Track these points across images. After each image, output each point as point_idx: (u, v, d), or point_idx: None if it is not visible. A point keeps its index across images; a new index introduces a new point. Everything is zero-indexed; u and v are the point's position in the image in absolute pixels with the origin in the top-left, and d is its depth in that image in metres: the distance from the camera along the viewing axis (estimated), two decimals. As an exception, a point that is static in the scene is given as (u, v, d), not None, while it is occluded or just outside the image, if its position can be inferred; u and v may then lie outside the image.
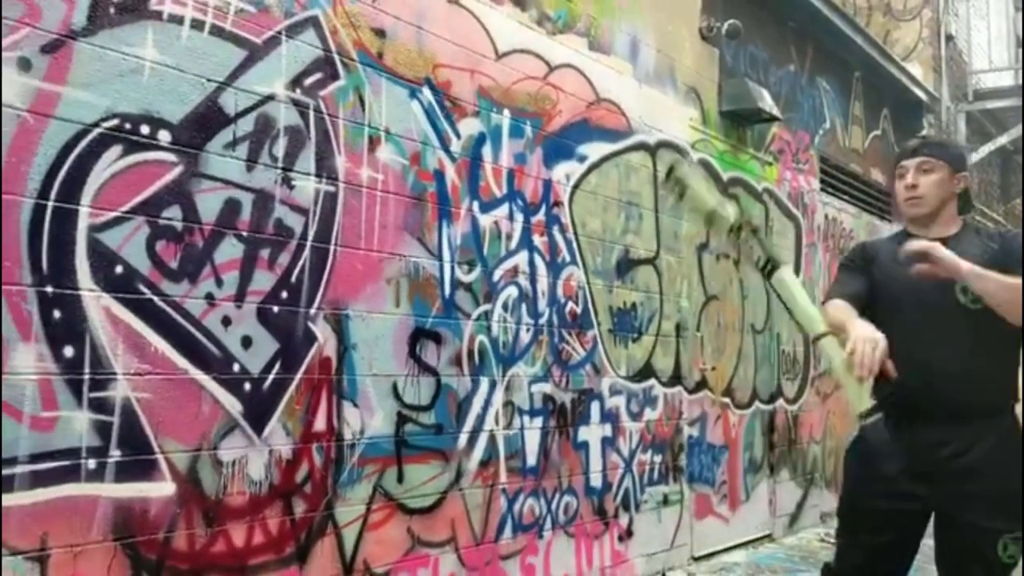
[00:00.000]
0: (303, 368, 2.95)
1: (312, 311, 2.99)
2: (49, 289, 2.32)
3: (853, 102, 7.42)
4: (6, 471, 2.22)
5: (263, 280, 2.85)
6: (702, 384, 5.09)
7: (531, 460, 3.86)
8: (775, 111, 5.59)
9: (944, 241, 2.36)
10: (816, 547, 5.82)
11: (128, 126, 2.50)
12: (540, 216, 3.99)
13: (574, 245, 4.17)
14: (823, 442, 6.66)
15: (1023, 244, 2.36)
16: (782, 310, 6.04)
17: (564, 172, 4.14)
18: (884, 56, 7.61)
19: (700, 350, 5.09)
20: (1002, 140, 9.63)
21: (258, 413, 2.81)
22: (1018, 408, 2.42)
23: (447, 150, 3.54)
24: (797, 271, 6.32)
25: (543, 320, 3.97)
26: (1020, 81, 9.19)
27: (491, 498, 3.65)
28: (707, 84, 5.28)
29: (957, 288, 2.31)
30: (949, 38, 9.24)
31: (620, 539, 4.38)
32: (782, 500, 6.00)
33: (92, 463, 2.39)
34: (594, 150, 4.33)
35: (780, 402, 6.01)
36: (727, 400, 5.37)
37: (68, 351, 2.35)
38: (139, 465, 2.49)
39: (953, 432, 2.32)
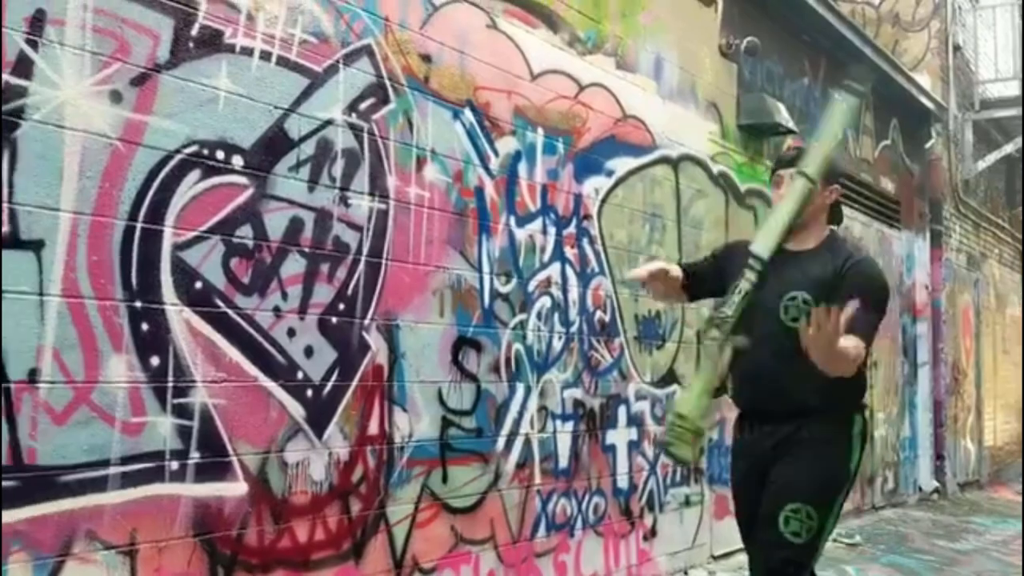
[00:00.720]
0: (358, 375, 3.15)
1: (366, 322, 3.18)
2: (138, 304, 2.51)
3: (864, 113, 7.60)
4: (100, 472, 2.41)
5: (323, 293, 3.04)
6: (721, 389, 5.26)
7: (563, 462, 4.05)
8: (791, 124, 5.78)
9: (800, 255, 2.57)
10: (828, 547, 5.99)
11: (206, 152, 2.69)
12: (571, 229, 4.18)
13: (602, 256, 4.37)
14: (835, 445, 6.83)
15: (866, 270, 2.57)
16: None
17: (593, 187, 4.33)
18: (894, 67, 7.79)
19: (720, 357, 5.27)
20: (1008, 148, 9.81)
21: (319, 418, 3.00)
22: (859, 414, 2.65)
23: (486, 168, 3.73)
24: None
25: (574, 328, 4.16)
26: (1022, 90, 9.37)
27: (527, 498, 3.85)
28: (726, 99, 5.47)
29: (780, 308, 2.51)
30: (956, 48, 9.42)
31: (645, 538, 4.57)
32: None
33: (175, 464, 2.58)
34: (621, 165, 4.52)
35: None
36: (744, 404, 5.55)
37: (154, 361, 2.54)
38: (216, 466, 2.69)
39: (779, 428, 2.57)
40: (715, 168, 5.30)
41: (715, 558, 5.16)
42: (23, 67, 2.27)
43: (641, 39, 4.71)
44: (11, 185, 2.25)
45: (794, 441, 2.55)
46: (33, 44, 2.29)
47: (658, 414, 4.68)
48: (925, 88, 8.51)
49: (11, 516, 2.23)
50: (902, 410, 8.41)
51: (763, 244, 2.50)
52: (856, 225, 7.41)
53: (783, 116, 5.67)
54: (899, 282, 8.39)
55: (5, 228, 2.23)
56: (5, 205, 2.23)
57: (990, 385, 10.74)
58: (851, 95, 2.73)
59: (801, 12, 6.23)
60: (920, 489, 8.73)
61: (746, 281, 2.44)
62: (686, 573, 4.86)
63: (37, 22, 2.30)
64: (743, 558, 5.45)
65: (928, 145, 8.80)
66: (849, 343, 2.33)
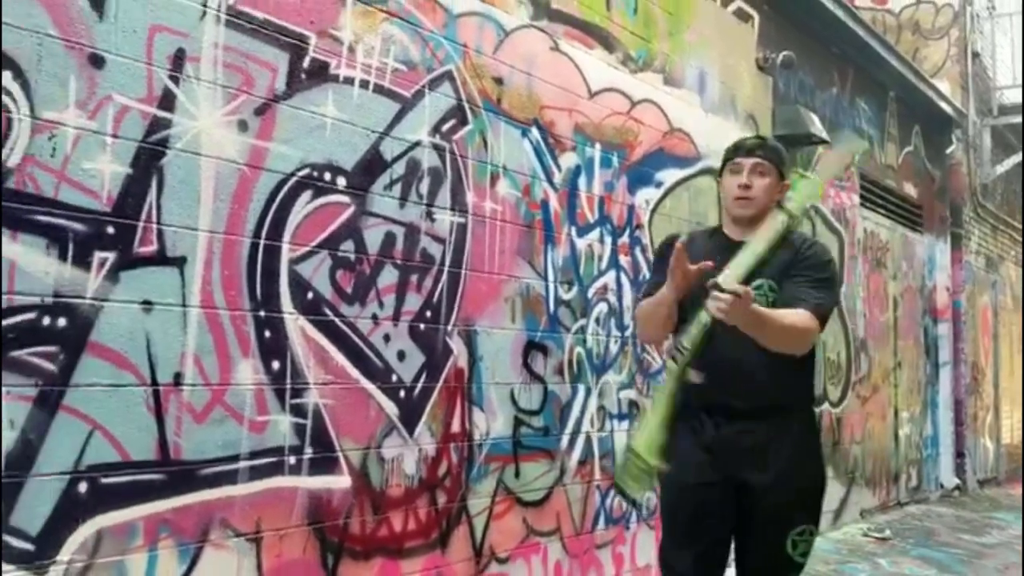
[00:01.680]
0: (443, 377, 3.39)
1: (449, 328, 3.43)
2: (261, 313, 2.76)
3: (888, 120, 7.83)
4: (232, 466, 2.66)
5: (412, 301, 3.29)
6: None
7: (620, 459, 4.29)
8: (823, 134, 6.00)
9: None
10: (861, 541, 6.25)
11: (315, 174, 2.94)
12: (625, 238, 4.42)
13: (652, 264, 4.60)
14: (863, 443, 7.08)
15: (819, 252, 2.48)
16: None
17: (644, 197, 4.57)
18: (916, 76, 8.02)
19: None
20: (1025, 152, 10.02)
21: (410, 417, 3.25)
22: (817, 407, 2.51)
23: (551, 182, 3.97)
24: (840, 282, 6.74)
25: (628, 332, 4.40)
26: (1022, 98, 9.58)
27: (588, 493, 4.09)
28: (763, 111, 5.70)
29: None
30: (975, 55, 9.64)
31: (692, 531, 4.80)
32: (827, 497, 6.38)
33: (292, 459, 2.83)
34: (668, 176, 4.76)
35: (826, 405, 6.43)
36: (780, 404, 5.78)
37: (275, 365, 2.79)
38: (325, 461, 2.93)
39: (751, 427, 2.41)
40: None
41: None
42: (167, 101, 2.52)
43: (686, 56, 4.94)
44: (159, 208, 2.50)
45: (774, 448, 2.41)
46: (175, 80, 2.54)
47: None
48: (946, 95, 8.73)
49: (159, 506, 2.48)
50: (924, 409, 8.63)
51: (732, 277, 2.21)
52: (882, 230, 7.64)
53: (816, 127, 5.89)
54: (921, 284, 8.61)
55: (154, 247, 2.48)
56: (154, 226, 2.48)
57: (1007, 384, 10.95)
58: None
59: (830, 25, 6.46)
60: (942, 486, 8.95)
61: (706, 313, 2.19)
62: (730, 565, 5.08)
63: (178, 60, 2.55)
64: (780, 551, 5.69)
65: (949, 151, 9.02)
66: (789, 314, 2.29)
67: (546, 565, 3.84)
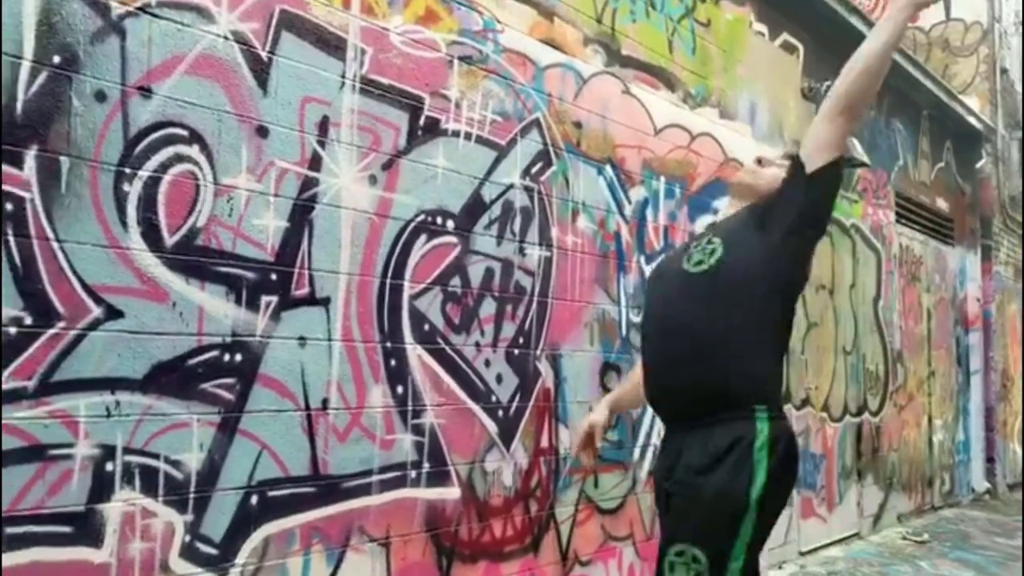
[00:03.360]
0: (533, 397, 3.75)
1: (538, 352, 3.78)
2: (388, 344, 3.12)
3: (921, 138, 8.12)
4: (367, 480, 3.02)
5: (508, 329, 3.64)
6: (806, 401, 5.84)
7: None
8: (864, 158, 6.31)
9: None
10: (900, 544, 6.55)
11: (429, 219, 3.30)
12: (686, 263, 4.75)
13: (710, 286, 4.94)
14: (900, 450, 7.38)
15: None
16: (867, 333, 6.78)
17: (703, 224, 4.91)
18: (948, 94, 8.30)
19: (805, 371, 5.84)
20: (1053, 165, 10.27)
21: (507, 434, 3.61)
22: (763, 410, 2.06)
23: (622, 214, 4.32)
24: (877, 297, 7.06)
25: (689, 351, 4.73)
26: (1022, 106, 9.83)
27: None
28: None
29: (683, 260, 2.17)
30: (1003, 71, 9.90)
31: (747, 535, 5.13)
32: (867, 502, 6.73)
33: (413, 473, 3.20)
34: (724, 203, 5.08)
35: (866, 415, 6.74)
36: (824, 415, 6.11)
37: (399, 389, 3.15)
38: (440, 474, 3.30)
39: (676, 438, 2.12)
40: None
41: (802, 554, 5.71)
42: (315, 162, 2.89)
43: (738, 89, 5.28)
44: (309, 255, 2.86)
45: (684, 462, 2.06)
46: (321, 143, 2.91)
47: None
48: (975, 111, 9.00)
49: (311, 516, 2.85)
50: (956, 416, 8.91)
51: None
52: (916, 245, 7.93)
53: (858, 151, 6.19)
54: (953, 296, 8.89)
55: (306, 289, 2.85)
56: (306, 271, 2.85)
57: (1035, 390, 11.19)
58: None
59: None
60: (973, 490, 9.22)
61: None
62: (780, 567, 5.42)
63: (323, 126, 2.92)
64: (825, 554, 6.03)
65: (979, 165, 9.29)
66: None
67: (621, 568, 4.18)
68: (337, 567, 2.92)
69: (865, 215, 6.88)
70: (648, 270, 4.46)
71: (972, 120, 8.89)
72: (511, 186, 3.68)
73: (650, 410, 4.35)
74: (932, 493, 8.16)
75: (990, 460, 9.53)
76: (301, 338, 2.83)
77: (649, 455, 4.39)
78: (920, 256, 8.02)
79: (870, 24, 6.60)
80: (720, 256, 2.07)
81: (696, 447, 2.02)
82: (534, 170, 3.80)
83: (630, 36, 4.37)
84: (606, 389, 4.15)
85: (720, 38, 5.09)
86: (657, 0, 4.57)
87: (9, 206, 2.17)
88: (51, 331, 2.24)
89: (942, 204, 8.56)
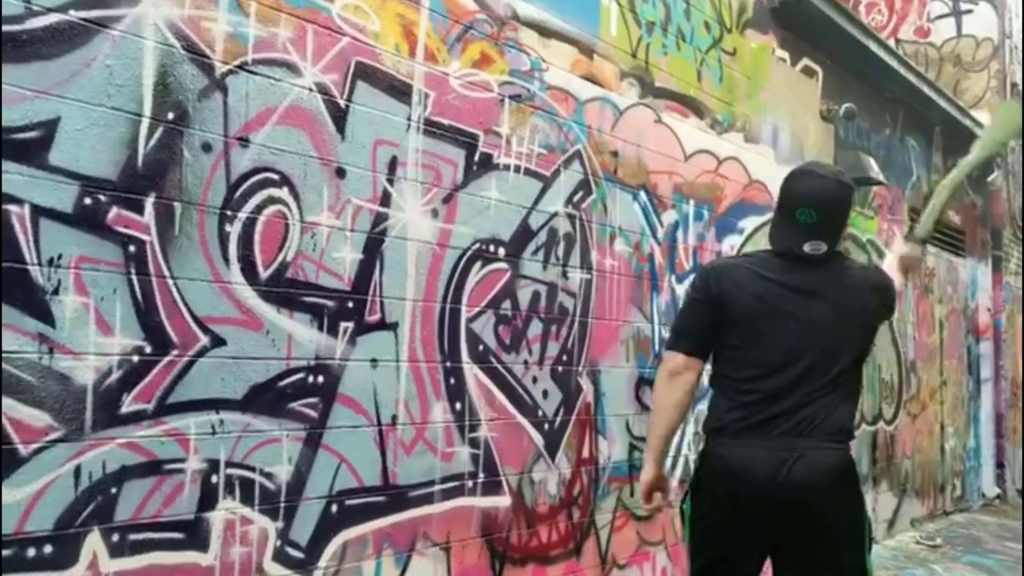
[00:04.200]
0: (575, 412, 4.01)
1: (579, 368, 4.04)
2: (448, 364, 3.39)
3: (934, 153, 8.36)
4: (429, 489, 3.29)
5: (553, 348, 3.90)
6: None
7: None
8: (880, 176, 6.57)
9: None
10: (914, 549, 6.79)
11: (483, 247, 3.56)
12: (713, 282, 5.01)
13: (736, 303, 5.19)
14: (913, 457, 7.62)
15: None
16: (882, 344, 7.03)
17: (729, 244, 5.17)
18: (959, 111, 8.53)
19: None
20: (1063, 177, 10.48)
21: (552, 446, 3.87)
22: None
23: (655, 237, 4.58)
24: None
25: (716, 365, 4.99)
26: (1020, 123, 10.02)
27: (686, 507, 4.68)
28: (826, 157, 6.27)
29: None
30: (1014, 86, 10.12)
31: (769, 540, 5.38)
32: (882, 508, 6.97)
33: (470, 483, 3.46)
34: (749, 223, 5.35)
35: (880, 423, 6.99)
36: (842, 423, 6.35)
37: (457, 406, 3.42)
38: (493, 484, 3.56)
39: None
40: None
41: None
42: (385, 199, 3.16)
43: (762, 114, 5.53)
44: (380, 284, 3.13)
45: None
46: (390, 181, 3.18)
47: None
48: (986, 126, 9.22)
49: (382, 522, 3.11)
50: (968, 423, 9.15)
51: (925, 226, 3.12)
52: (928, 257, 8.16)
53: (875, 170, 6.46)
54: (964, 306, 9.12)
55: (378, 315, 3.12)
56: (378, 299, 3.12)
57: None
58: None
59: (884, 72, 7.01)
60: (984, 495, 9.45)
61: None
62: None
63: (392, 165, 3.19)
64: (843, 558, 6.24)
65: (990, 178, 9.52)
66: None
67: (655, 571, 4.45)
68: (404, 570, 3.18)
69: (880, 230, 7.12)
70: (679, 290, 4.73)
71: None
72: (555, 214, 3.94)
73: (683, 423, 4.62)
74: (944, 499, 8.40)
75: (1000, 466, 9.77)
76: (373, 360, 3.10)
77: (680, 465, 4.65)
78: (933, 268, 8.26)
79: (885, 47, 6.87)
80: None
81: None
82: (576, 198, 4.06)
83: (662, 68, 4.63)
84: (641, 403, 4.41)
85: (745, 66, 5.35)
86: (687, 33, 4.83)
87: (132, 248, 2.44)
88: (167, 358, 2.50)
89: (953, 216, 8.80)
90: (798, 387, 2.43)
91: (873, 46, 6.58)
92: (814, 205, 2.49)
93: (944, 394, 8.48)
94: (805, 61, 6.08)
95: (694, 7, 4.87)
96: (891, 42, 9.41)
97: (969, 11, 9.91)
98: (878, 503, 6.88)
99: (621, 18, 4.34)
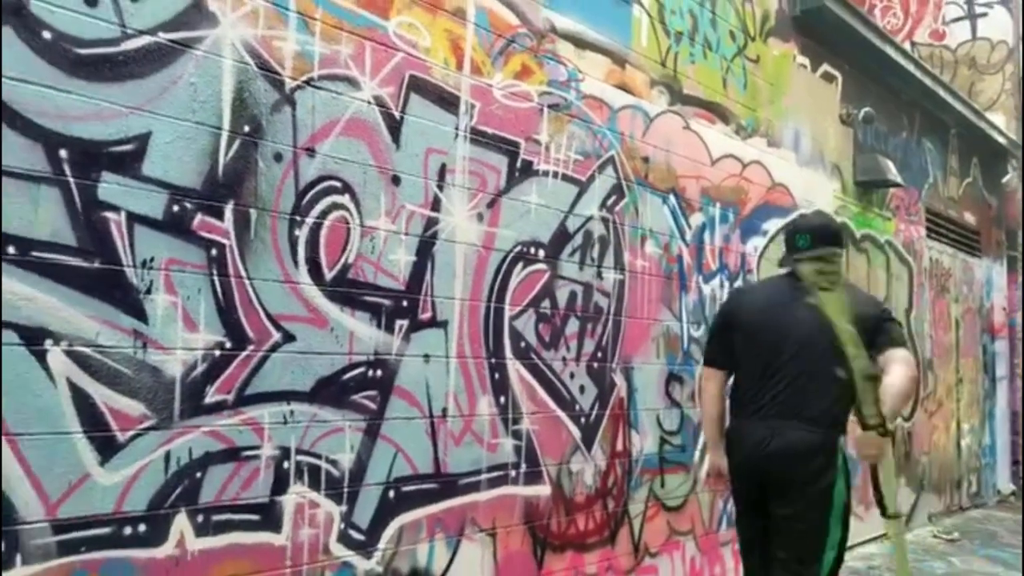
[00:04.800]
0: (610, 406, 4.19)
1: (614, 365, 4.23)
2: (493, 360, 3.58)
3: (949, 156, 8.51)
4: (476, 478, 3.48)
5: (588, 345, 4.09)
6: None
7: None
8: (898, 179, 6.73)
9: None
10: (932, 542, 6.94)
11: (524, 250, 3.75)
12: (739, 282, 5.19)
13: (759, 302, 5.37)
14: (930, 453, 7.77)
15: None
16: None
17: (753, 245, 5.34)
18: (975, 113, 8.68)
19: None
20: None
21: (588, 439, 4.05)
22: None
23: (683, 239, 4.76)
24: (909, 309, 7.45)
25: (741, 362, 5.16)
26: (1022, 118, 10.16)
27: (713, 500, 4.87)
28: (846, 160, 6.44)
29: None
30: (1028, 87, 10.24)
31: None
32: (899, 502, 7.12)
33: (513, 472, 3.65)
34: (772, 225, 5.52)
35: (898, 420, 7.14)
36: (861, 420, 6.51)
37: (501, 399, 3.61)
38: (534, 474, 3.75)
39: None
40: (839, 220, 6.26)
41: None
42: (436, 204, 3.35)
43: (784, 119, 5.70)
44: (432, 284, 3.32)
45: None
46: (440, 187, 3.37)
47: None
48: (1001, 128, 9.37)
49: (435, 508, 3.31)
50: (983, 421, 9.28)
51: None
52: (945, 258, 8.31)
53: (892, 172, 6.62)
54: (980, 305, 9.26)
55: (429, 313, 3.31)
56: (429, 298, 3.31)
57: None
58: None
59: (901, 77, 7.17)
60: (999, 491, 9.58)
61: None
62: (822, 562, 5.82)
63: (442, 172, 3.38)
64: (863, 550, 6.43)
65: (1004, 179, 9.66)
66: (898, 375, 3.00)
67: (684, 559, 4.62)
68: (455, 554, 3.38)
69: (898, 231, 7.28)
70: (706, 289, 4.91)
71: (998, 137, 9.25)
72: (591, 217, 4.12)
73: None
74: (960, 494, 8.54)
75: (1015, 463, 9.89)
76: (426, 355, 3.29)
77: (707, 459, 4.82)
78: (949, 268, 8.41)
79: (902, 51, 7.02)
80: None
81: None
82: (609, 202, 4.25)
83: (690, 76, 4.81)
84: (670, 398, 4.60)
85: (768, 73, 5.52)
86: (713, 42, 5.01)
87: (214, 251, 2.64)
88: (244, 353, 2.70)
89: (969, 218, 8.94)
90: (786, 382, 3.11)
91: (890, 51, 6.74)
92: (808, 232, 3.24)
93: (960, 392, 8.62)
94: (825, 67, 6.25)
95: (720, 17, 5.05)
96: (906, 45, 9.57)
97: (984, 14, 10.05)
98: (897, 498, 7.03)
99: (651, 29, 4.52)
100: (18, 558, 2.22)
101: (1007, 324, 9.78)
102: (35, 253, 2.26)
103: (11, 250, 2.23)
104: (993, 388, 9.59)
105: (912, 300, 7.47)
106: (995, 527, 7.95)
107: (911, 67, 7.15)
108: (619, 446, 4.24)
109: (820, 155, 6.11)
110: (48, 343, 2.28)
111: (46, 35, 2.30)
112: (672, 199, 4.67)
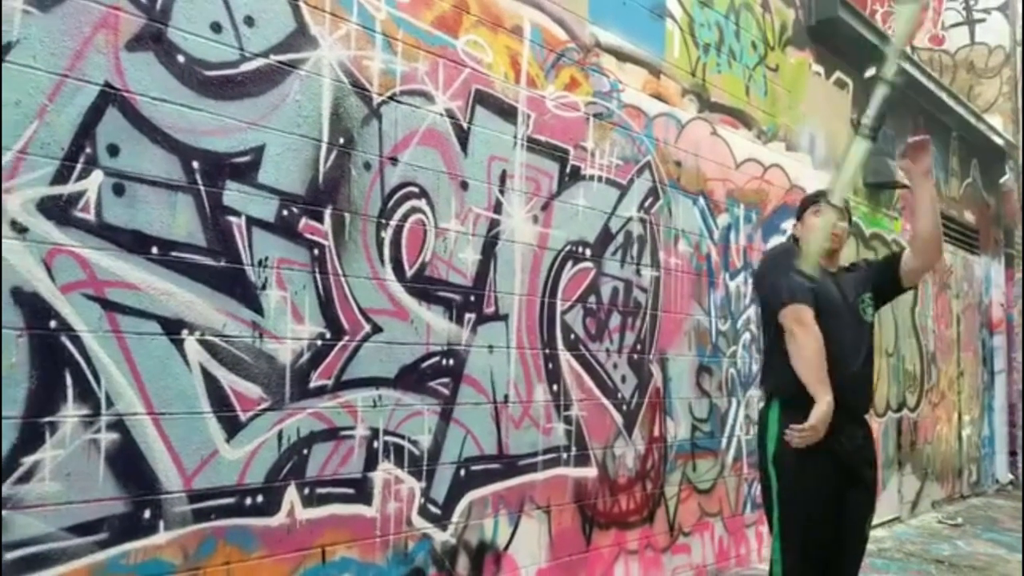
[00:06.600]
0: (648, 395, 4.49)
1: (651, 356, 4.53)
2: (547, 351, 3.87)
3: (951, 157, 8.84)
4: (533, 460, 3.77)
5: (629, 338, 4.39)
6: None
7: (759, 456, 5.37)
8: (905, 180, 7.03)
9: (838, 272, 3.20)
10: (937, 527, 7.27)
11: (573, 249, 4.05)
12: (759, 279, 5.49)
13: (779, 298, 5.67)
14: (934, 443, 8.11)
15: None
16: (906, 337, 7.52)
17: (772, 243, 5.64)
18: (975, 116, 9.01)
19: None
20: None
21: (629, 425, 4.36)
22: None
23: (711, 238, 5.06)
24: (914, 304, 7.78)
25: (762, 354, 5.47)
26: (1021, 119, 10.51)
27: (739, 484, 5.18)
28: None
29: (858, 308, 3.09)
30: (1026, 90, 10.59)
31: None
32: (907, 490, 7.46)
33: (564, 455, 3.95)
34: (790, 225, 5.81)
35: (905, 411, 7.47)
36: (871, 411, 6.84)
37: (554, 387, 3.91)
38: (583, 457, 4.04)
39: (861, 428, 3.11)
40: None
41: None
42: (498, 207, 3.65)
43: (801, 124, 6.01)
44: (495, 281, 3.62)
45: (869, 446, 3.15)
46: (501, 192, 3.67)
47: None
48: (998, 129, 9.70)
49: (499, 486, 3.60)
50: (982, 412, 9.63)
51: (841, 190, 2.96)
52: (946, 255, 8.64)
53: (899, 175, 6.93)
54: (979, 301, 9.61)
55: (493, 308, 3.61)
56: (493, 294, 3.61)
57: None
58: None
59: (908, 81, 7.49)
60: (997, 481, 9.94)
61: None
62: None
63: (503, 178, 3.67)
64: (873, 535, 6.70)
65: (1002, 180, 10.00)
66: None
67: (713, 539, 4.93)
68: (515, 529, 3.67)
69: (904, 230, 7.60)
70: (732, 286, 5.21)
71: (996, 139, 9.59)
72: (630, 218, 4.42)
73: (732, 408, 5.10)
74: (961, 483, 8.88)
75: (1012, 454, 10.26)
76: (490, 346, 3.58)
77: (734, 445, 5.14)
78: (950, 265, 8.74)
79: (909, 58, 7.33)
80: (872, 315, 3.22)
81: (867, 434, 3.18)
82: (647, 204, 4.55)
83: (716, 85, 5.11)
84: (700, 388, 4.90)
85: (786, 80, 5.83)
86: (737, 52, 5.31)
87: (315, 251, 2.93)
88: (341, 343, 2.99)
89: (969, 217, 9.28)
90: None
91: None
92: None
93: (961, 385, 8.96)
94: (837, 74, 6.56)
95: (743, 28, 5.36)
96: (907, 49, 9.89)
97: (982, 20, 10.40)
98: (903, 485, 7.37)
99: (683, 41, 4.82)
100: (161, 524, 2.51)
101: (1005, 319, 10.13)
102: (174, 253, 2.55)
103: (154, 250, 2.51)
104: (992, 381, 9.95)
105: (917, 296, 7.80)
106: (996, 514, 8.29)
107: (916, 72, 7.47)
108: (656, 432, 4.54)
109: (834, 158, 6.42)
110: (184, 333, 2.57)
111: (180, 59, 2.58)
112: (701, 201, 4.98)
